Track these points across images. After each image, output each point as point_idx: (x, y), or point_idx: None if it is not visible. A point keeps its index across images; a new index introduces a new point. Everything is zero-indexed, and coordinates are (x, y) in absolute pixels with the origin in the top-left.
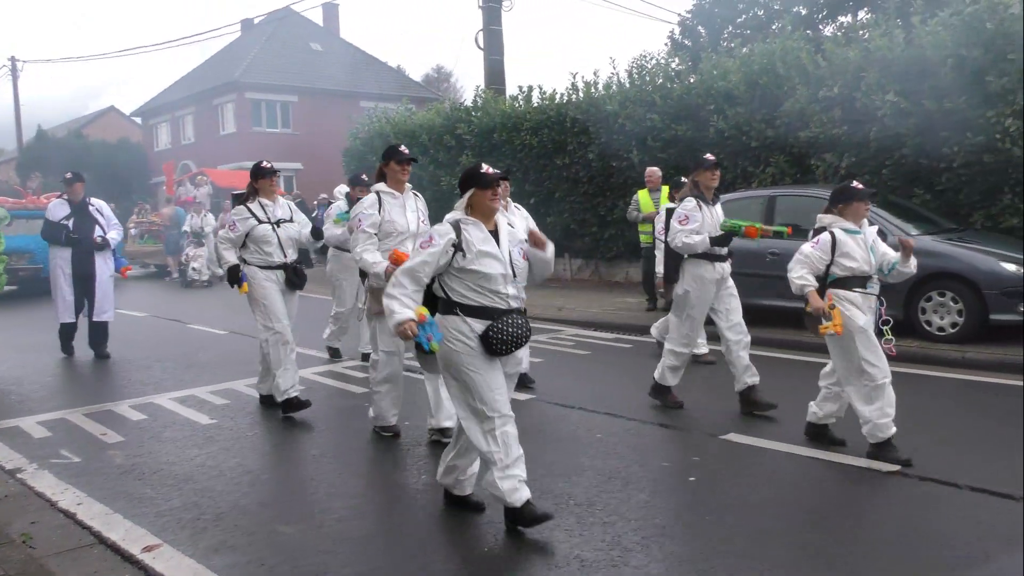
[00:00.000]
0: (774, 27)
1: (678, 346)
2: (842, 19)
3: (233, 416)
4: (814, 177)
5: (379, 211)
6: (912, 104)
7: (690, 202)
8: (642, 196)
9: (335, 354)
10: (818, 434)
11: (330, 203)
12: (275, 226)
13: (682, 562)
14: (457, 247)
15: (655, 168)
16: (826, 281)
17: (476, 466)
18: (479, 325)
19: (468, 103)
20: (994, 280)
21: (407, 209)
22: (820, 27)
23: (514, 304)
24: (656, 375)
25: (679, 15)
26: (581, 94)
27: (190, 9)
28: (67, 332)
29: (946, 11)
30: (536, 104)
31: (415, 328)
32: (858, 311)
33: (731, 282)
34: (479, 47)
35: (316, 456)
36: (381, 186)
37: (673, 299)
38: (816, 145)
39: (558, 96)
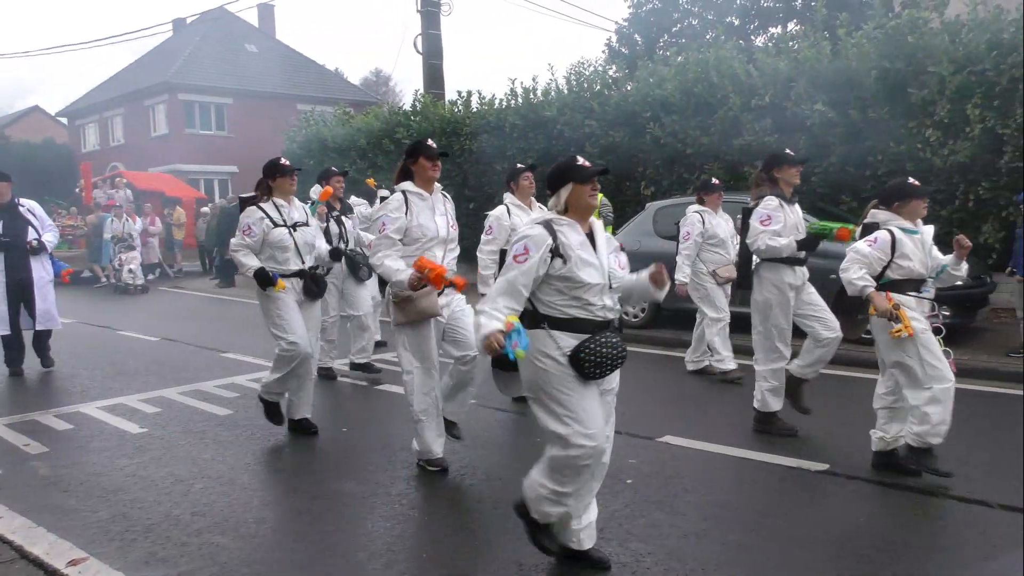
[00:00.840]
0: (708, 37)
1: (771, 363)
2: (773, 30)
3: (164, 425)
4: (747, 184)
5: (406, 214)
6: (839, 114)
7: (772, 201)
8: None
9: (369, 369)
10: (887, 463)
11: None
12: (291, 230)
13: (618, 564)
14: (555, 252)
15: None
16: (878, 283)
17: (594, 511)
18: (569, 341)
19: (407, 107)
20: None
21: (436, 212)
22: (752, 37)
23: (609, 316)
24: (756, 404)
25: (616, 23)
26: (520, 100)
27: (119, 7)
28: (8, 345)
29: (870, 24)
30: (475, 109)
31: (501, 339)
32: (914, 316)
33: (810, 285)
34: (418, 51)
35: (250, 464)
36: (408, 185)
37: (752, 310)
38: (749, 152)
39: (497, 101)
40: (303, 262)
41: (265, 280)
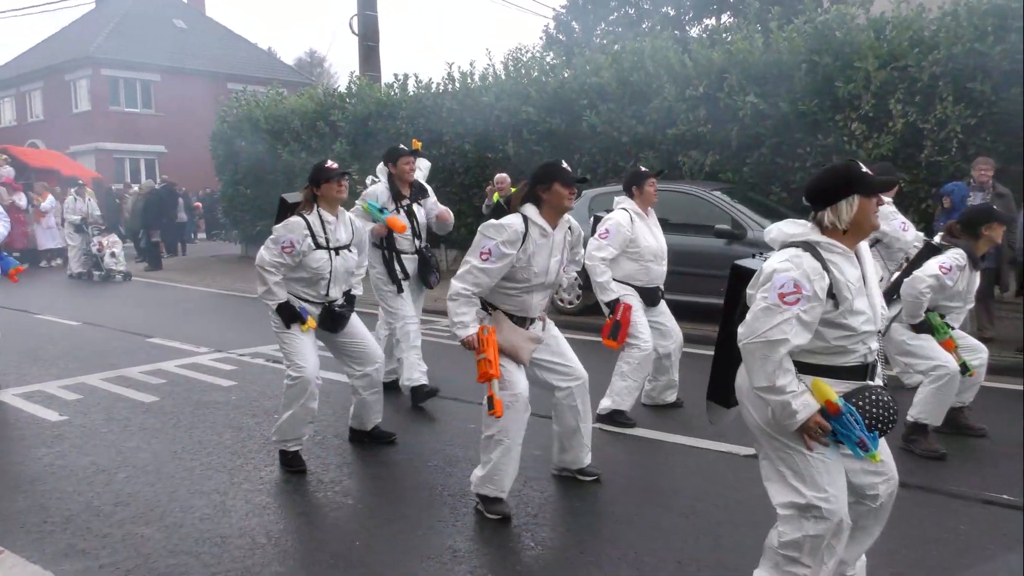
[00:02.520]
0: (644, 26)
1: None
2: (707, 21)
3: (86, 412)
4: (681, 173)
5: (519, 250)
6: (770, 106)
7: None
8: (497, 197)
9: (428, 392)
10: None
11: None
12: (333, 253)
13: (552, 549)
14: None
15: (504, 175)
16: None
17: (864, 558)
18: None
19: (342, 89)
20: None
21: (553, 252)
22: (687, 28)
23: None
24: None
25: (554, 10)
26: (457, 84)
27: None
28: None
29: (800, 19)
30: (412, 92)
31: (826, 424)
32: None
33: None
34: (354, 32)
35: (177, 453)
36: (532, 213)
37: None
38: (683, 142)
39: (434, 85)
40: (330, 292)
41: (291, 316)
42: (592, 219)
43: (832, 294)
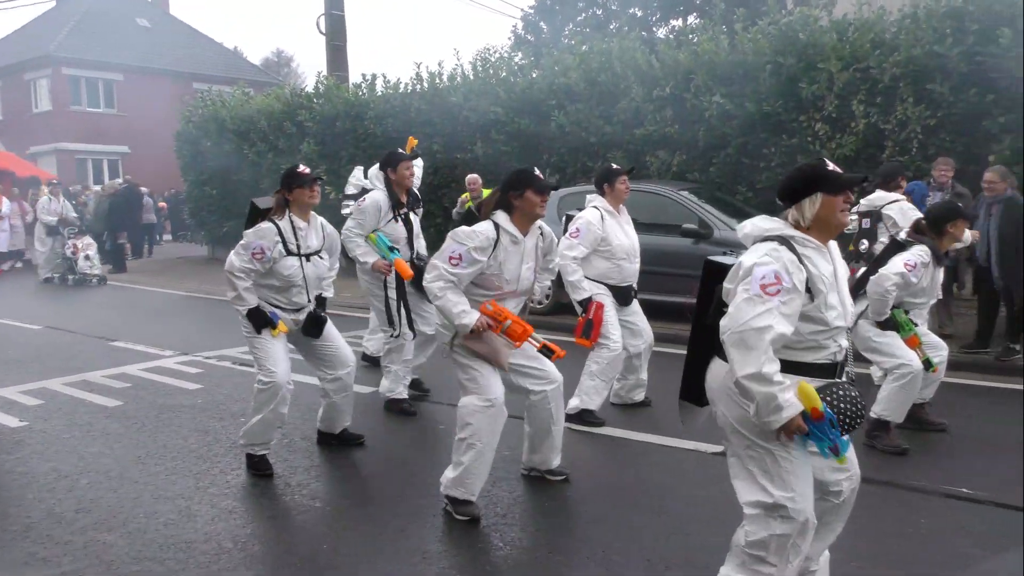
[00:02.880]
0: (612, 27)
1: None
2: (674, 23)
3: (47, 418)
4: (648, 173)
5: (490, 257)
6: (736, 106)
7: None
8: (469, 204)
9: (404, 409)
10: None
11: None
12: (305, 260)
13: (521, 549)
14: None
15: (475, 175)
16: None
17: (827, 553)
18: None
19: (310, 89)
20: None
21: (525, 260)
22: (654, 29)
23: None
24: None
25: (522, 10)
26: (426, 84)
27: None
28: None
29: (765, 20)
30: (380, 93)
31: (804, 427)
32: None
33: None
34: (321, 32)
35: (141, 458)
36: (503, 220)
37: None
38: (650, 142)
39: (402, 85)
40: (308, 299)
41: (262, 321)
42: (564, 218)
43: (808, 288)
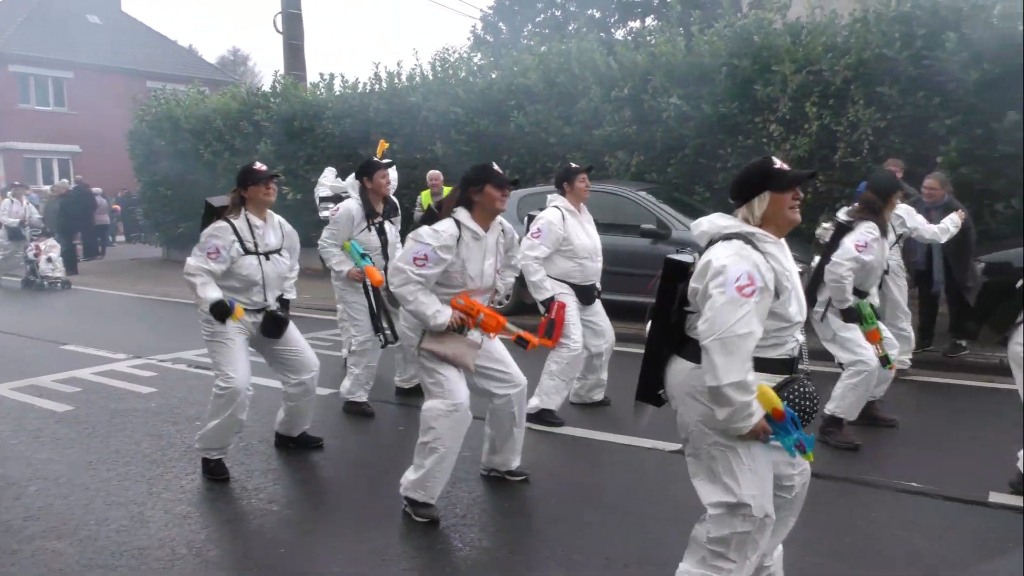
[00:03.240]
0: (571, 28)
1: None
2: (632, 24)
3: None
4: (607, 173)
5: (455, 254)
6: (692, 107)
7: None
8: (424, 197)
9: (362, 410)
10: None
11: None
12: (263, 258)
13: (481, 549)
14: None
15: (437, 172)
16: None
17: (780, 548)
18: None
19: (267, 88)
20: None
21: (487, 255)
22: (612, 30)
23: None
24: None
25: (481, 11)
26: (384, 84)
27: None
28: None
29: (721, 23)
30: (338, 92)
31: (769, 429)
32: None
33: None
34: (278, 30)
35: (92, 463)
36: (464, 217)
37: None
38: (609, 143)
39: (361, 85)
40: (267, 299)
41: (222, 313)
42: (526, 219)
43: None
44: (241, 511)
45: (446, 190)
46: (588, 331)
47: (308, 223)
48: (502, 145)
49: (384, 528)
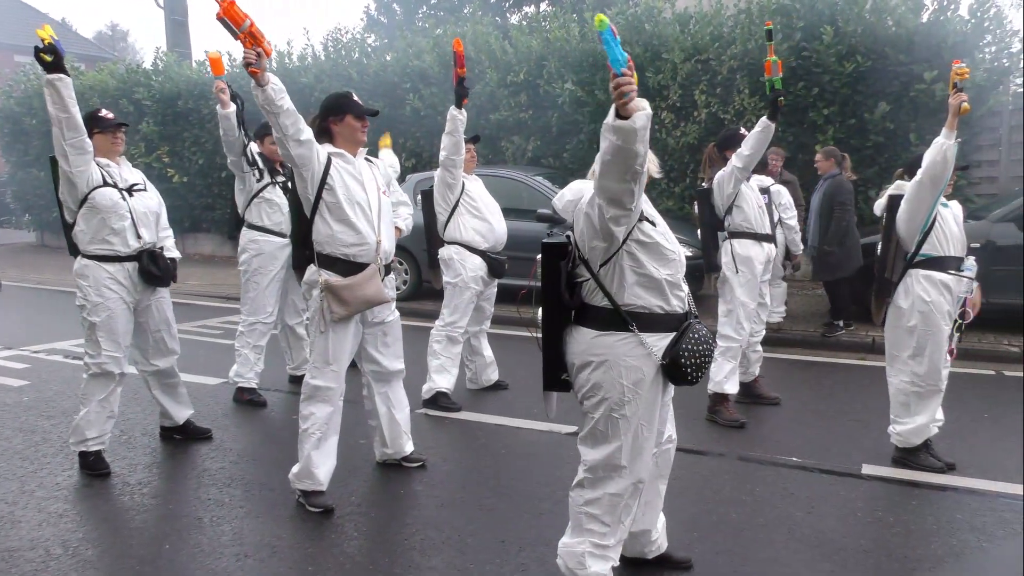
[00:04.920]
0: (466, 11)
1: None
2: (527, 9)
3: None
4: (504, 158)
5: (328, 176)
6: (587, 93)
7: None
8: None
9: (252, 399)
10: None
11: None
12: (126, 193)
13: (376, 537)
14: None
15: None
16: (914, 260)
17: (662, 516)
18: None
19: (148, 66)
20: None
21: (365, 180)
22: (508, 15)
23: None
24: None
25: None
26: (275, 64)
27: None
28: None
29: (613, 10)
30: (226, 72)
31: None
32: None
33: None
34: (159, 6)
35: None
36: (329, 147)
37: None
38: (505, 127)
39: None
40: (140, 239)
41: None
42: (420, 196)
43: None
44: (123, 507)
45: None
46: (475, 313)
47: (196, 206)
48: (398, 128)
49: (276, 519)
